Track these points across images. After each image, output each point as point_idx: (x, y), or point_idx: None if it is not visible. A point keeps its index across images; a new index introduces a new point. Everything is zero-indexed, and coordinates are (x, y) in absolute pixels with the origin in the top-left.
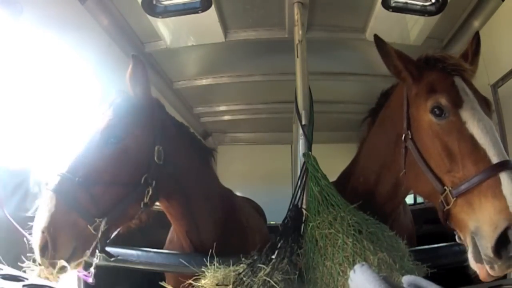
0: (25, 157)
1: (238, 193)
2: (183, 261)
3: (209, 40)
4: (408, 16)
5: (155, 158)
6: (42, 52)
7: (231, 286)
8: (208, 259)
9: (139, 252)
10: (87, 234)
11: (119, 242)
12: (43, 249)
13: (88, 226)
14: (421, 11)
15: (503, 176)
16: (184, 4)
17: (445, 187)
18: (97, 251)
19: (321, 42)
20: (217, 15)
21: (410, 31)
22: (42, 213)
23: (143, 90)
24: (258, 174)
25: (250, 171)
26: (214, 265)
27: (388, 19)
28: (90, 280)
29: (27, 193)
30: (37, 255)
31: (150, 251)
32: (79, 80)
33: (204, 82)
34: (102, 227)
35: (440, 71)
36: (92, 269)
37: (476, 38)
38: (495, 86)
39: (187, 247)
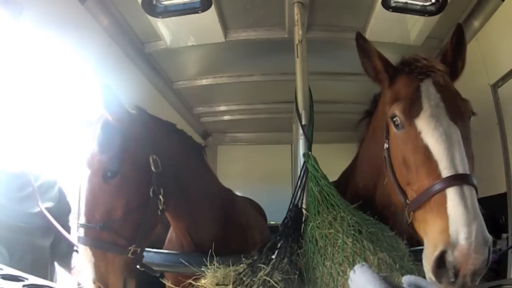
0: (27, 159)
1: (238, 193)
2: (183, 261)
3: (209, 40)
4: (408, 16)
5: (153, 168)
6: (42, 52)
7: (231, 286)
8: (208, 259)
9: None
10: (128, 262)
11: None
12: None
13: (128, 256)
14: (421, 11)
15: (450, 192)
16: (184, 4)
17: (407, 200)
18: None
19: (321, 42)
20: (217, 15)
21: (410, 31)
22: (85, 267)
23: (120, 114)
24: (258, 174)
25: (250, 171)
26: (214, 265)
27: (388, 19)
28: None
29: (31, 194)
30: None
31: (150, 251)
32: (79, 80)
33: (204, 82)
34: (138, 250)
35: (408, 75)
36: None
37: (457, 30)
38: (495, 86)
39: (187, 245)
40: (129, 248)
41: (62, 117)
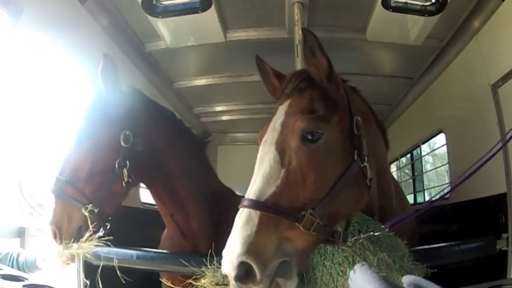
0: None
1: (238, 193)
2: (183, 261)
3: (209, 40)
4: (408, 16)
5: (122, 143)
6: (42, 52)
7: (231, 285)
8: (208, 258)
9: (138, 252)
10: (85, 217)
11: (120, 242)
12: (55, 237)
13: (84, 212)
14: (421, 11)
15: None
16: (184, 4)
17: None
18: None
19: (321, 42)
20: (217, 15)
21: (410, 31)
22: (48, 211)
23: (111, 85)
24: None
25: (250, 171)
26: (214, 264)
27: (388, 19)
28: None
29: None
30: (54, 245)
31: (150, 251)
32: (79, 80)
33: (204, 82)
34: (95, 210)
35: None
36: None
37: (303, 34)
38: (495, 86)
39: (176, 235)
40: (87, 206)
41: (60, 117)
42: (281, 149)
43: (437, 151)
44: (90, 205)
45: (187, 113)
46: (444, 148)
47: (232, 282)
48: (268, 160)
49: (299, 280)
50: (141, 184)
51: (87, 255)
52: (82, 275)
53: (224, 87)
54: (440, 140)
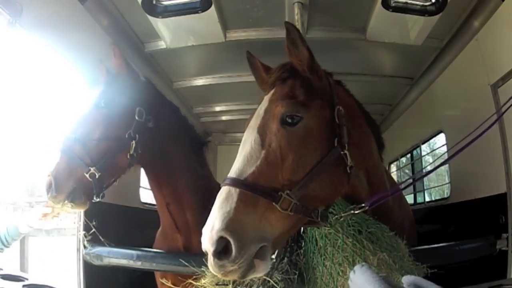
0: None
1: None
2: (183, 261)
3: (209, 40)
4: (408, 16)
5: (136, 116)
6: (42, 52)
7: (230, 285)
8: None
9: (139, 252)
10: (84, 179)
11: (120, 242)
12: (48, 188)
13: (84, 173)
14: (421, 11)
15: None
16: (184, 4)
17: None
18: (94, 196)
19: (321, 42)
20: (217, 15)
21: (410, 31)
22: (50, 164)
23: (122, 68)
24: None
25: None
26: None
27: (388, 19)
28: None
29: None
30: (44, 192)
31: (150, 251)
32: (79, 80)
33: (204, 82)
34: (96, 174)
35: None
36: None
37: (286, 27)
38: (495, 86)
39: (169, 227)
40: (90, 168)
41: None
42: (262, 132)
43: (437, 151)
44: (94, 167)
45: (187, 113)
46: (444, 148)
47: (210, 260)
48: (249, 142)
49: (299, 280)
50: (141, 184)
51: (87, 256)
52: (82, 275)
53: (224, 87)
54: (440, 140)
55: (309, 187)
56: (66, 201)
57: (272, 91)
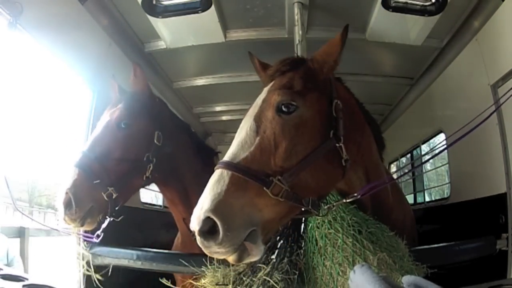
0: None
1: None
2: (183, 261)
3: (209, 40)
4: (408, 16)
5: (155, 141)
6: (42, 52)
7: (230, 285)
8: (208, 258)
9: (139, 252)
10: (102, 199)
11: (120, 242)
12: (67, 205)
13: (102, 193)
14: (421, 11)
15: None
16: (184, 4)
17: None
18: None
19: (321, 42)
20: (217, 15)
21: (410, 31)
22: (66, 180)
23: (143, 89)
24: None
25: None
26: (214, 264)
27: (388, 19)
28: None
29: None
30: (61, 210)
31: (150, 251)
32: (79, 80)
33: (204, 82)
34: (113, 195)
35: None
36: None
37: (344, 30)
38: (495, 86)
39: (187, 238)
40: (108, 188)
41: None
42: (258, 119)
43: (437, 151)
44: (112, 188)
45: (187, 113)
46: None
47: (198, 241)
48: (245, 128)
49: (299, 280)
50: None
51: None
52: (82, 274)
53: (224, 87)
54: (440, 140)
55: (300, 175)
56: (79, 220)
57: (271, 83)
